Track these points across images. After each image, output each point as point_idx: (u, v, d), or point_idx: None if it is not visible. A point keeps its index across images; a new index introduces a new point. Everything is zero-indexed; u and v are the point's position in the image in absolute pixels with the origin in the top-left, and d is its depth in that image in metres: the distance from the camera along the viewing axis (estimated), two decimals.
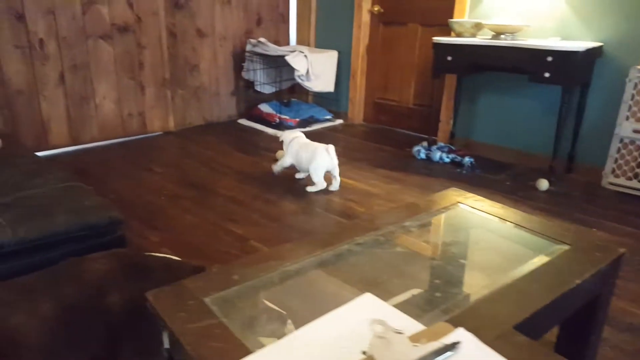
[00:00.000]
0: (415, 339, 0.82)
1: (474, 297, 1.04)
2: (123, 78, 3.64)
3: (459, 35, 3.18)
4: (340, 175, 2.84)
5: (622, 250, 1.20)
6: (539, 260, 1.16)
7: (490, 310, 0.95)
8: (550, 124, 3.15)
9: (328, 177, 2.82)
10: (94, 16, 3.39)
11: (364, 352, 0.80)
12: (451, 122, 3.66)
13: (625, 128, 2.76)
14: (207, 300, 0.95)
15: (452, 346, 0.81)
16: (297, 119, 4.17)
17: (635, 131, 2.72)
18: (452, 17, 3.49)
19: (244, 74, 4.31)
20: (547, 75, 2.74)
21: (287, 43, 4.68)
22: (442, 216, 1.44)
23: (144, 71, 3.74)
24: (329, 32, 4.43)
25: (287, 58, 3.95)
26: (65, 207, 1.51)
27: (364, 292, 0.98)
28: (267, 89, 4.39)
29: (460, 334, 0.85)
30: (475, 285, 1.14)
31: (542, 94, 3.20)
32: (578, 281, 1.05)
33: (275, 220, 2.45)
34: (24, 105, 3.23)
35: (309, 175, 2.81)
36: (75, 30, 3.33)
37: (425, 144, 3.51)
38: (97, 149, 3.54)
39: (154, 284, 1.02)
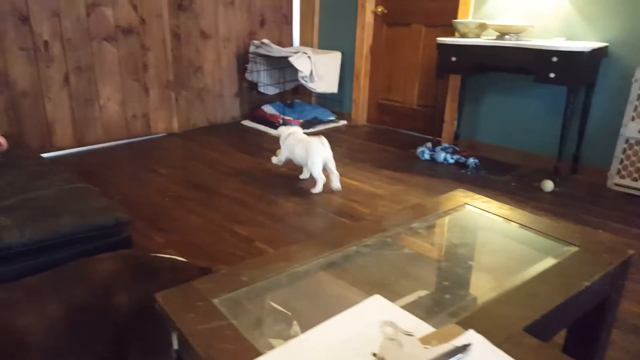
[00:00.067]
0: (426, 341, 0.82)
1: (482, 299, 1.03)
2: (127, 80, 3.65)
3: (463, 35, 3.17)
4: (344, 176, 2.84)
5: (631, 251, 1.19)
6: (548, 262, 1.16)
7: (500, 312, 0.95)
8: (555, 125, 3.14)
9: (326, 174, 2.81)
10: (98, 18, 3.39)
11: (375, 354, 0.79)
12: (455, 122, 3.65)
13: (631, 128, 2.75)
14: (215, 301, 0.95)
15: (463, 348, 0.80)
16: (301, 120, 4.17)
17: None
18: (456, 18, 3.49)
19: (248, 76, 4.31)
20: (552, 75, 2.73)
21: (291, 44, 4.69)
22: (450, 218, 1.44)
23: (148, 73, 3.74)
24: (332, 33, 4.43)
25: (291, 59, 3.95)
26: (72, 208, 1.51)
27: (371, 294, 0.97)
28: (271, 90, 4.39)
29: (471, 336, 0.84)
30: (484, 287, 1.13)
31: (546, 94, 3.19)
32: (587, 283, 1.05)
33: (279, 222, 2.44)
34: (29, 107, 3.24)
35: (311, 175, 2.81)
36: (80, 32, 3.34)
37: (429, 144, 3.50)
38: (101, 151, 3.55)
39: (161, 285, 1.02)
